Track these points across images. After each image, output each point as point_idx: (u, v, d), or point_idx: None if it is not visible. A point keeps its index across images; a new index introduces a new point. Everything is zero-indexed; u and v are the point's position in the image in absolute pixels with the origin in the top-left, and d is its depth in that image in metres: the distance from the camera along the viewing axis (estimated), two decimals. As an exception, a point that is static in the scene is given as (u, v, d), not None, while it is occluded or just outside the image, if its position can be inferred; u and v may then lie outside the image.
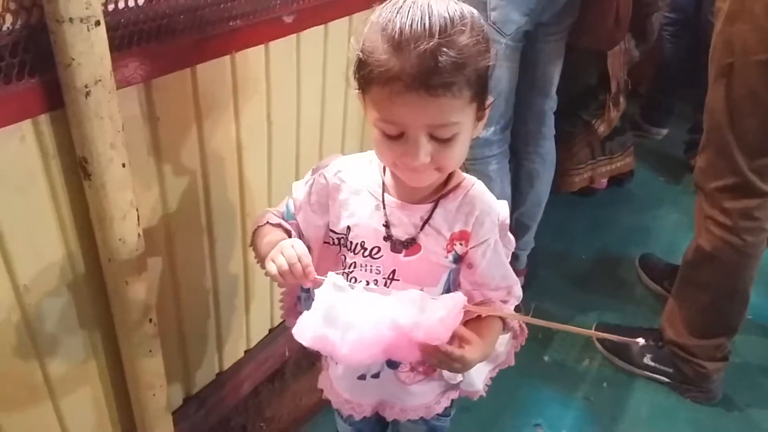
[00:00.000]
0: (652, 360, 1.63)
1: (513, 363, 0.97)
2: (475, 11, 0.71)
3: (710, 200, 1.41)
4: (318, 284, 0.74)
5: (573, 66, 1.98)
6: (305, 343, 0.73)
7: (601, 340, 1.72)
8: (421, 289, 0.80)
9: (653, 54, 2.46)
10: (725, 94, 1.30)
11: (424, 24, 0.65)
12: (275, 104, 1.17)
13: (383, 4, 0.71)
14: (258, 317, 1.36)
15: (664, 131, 2.83)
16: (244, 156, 1.14)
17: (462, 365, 0.72)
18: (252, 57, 1.08)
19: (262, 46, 1.10)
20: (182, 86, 0.98)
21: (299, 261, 0.74)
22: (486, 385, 0.97)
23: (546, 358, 1.70)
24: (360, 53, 0.70)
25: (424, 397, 0.93)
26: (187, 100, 1.00)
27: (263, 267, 0.79)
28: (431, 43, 0.65)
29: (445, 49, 0.65)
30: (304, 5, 1.13)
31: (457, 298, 0.73)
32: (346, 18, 1.24)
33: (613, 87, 2.00)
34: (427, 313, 0.70)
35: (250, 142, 1.15)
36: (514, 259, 1.86)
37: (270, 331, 1.43)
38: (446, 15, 0.67)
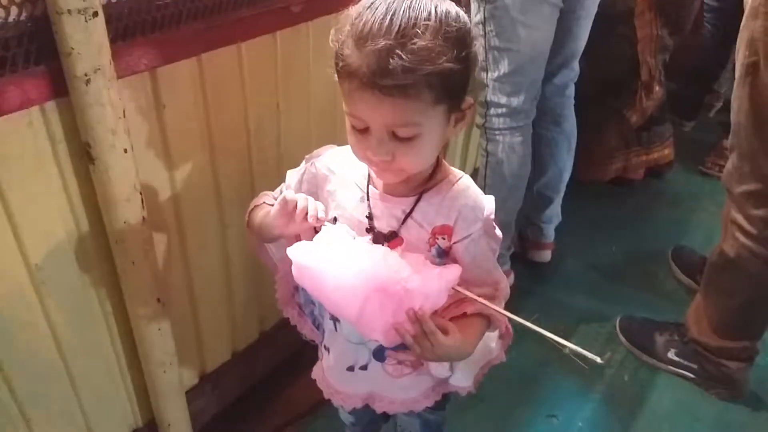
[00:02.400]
0: (677, 355, 1.58)
1: (504, 359, 0.96)
2: (453, 9, 0.69)
3: (737, 204, 1.35)
4: (320, 225, 0.77)
5: (604, 54, 1.95)
6: (297, 262, 0.75)
7: (625, 333, 1.69)
8: None
9: (692, 44, 2.37)
10: (749, 95, 1.22)
11: (385, 23, 0.65)
12: (284, 92, 1.19)
13: None
14: (272, 300, 1.38)
15: (691, 124, 2.73)
16: (253, 143, 1.17)
17: (433, 346, 0.73)
18: (260, 46, 1.11)
19: (269, 35, 1.12)
20: (189, 75, 1.01)
21: (312, 201, 0.77)
22: (478, 381, 0.97)
23: (567, 351, 1.68)
24: (335, 43, 0.71)
25: (413, 390, 0.94)
26: (194, 89, 1.03)
27: (254, 242, 0.81)
28: (385, 44, 0.64)
29: (397, 51, 0.64)
30: (311, -5, 1.15)
31: (457, 269, 0.74)
32: (357, 7, 1.25)
33: (643, 74, 1.95)
34: (426, 272, 0.72)
35: (259, 130, 1.17)
36: (539, 231, 1.86)
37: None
38: (411, 14, 0.66)
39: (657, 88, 2.04)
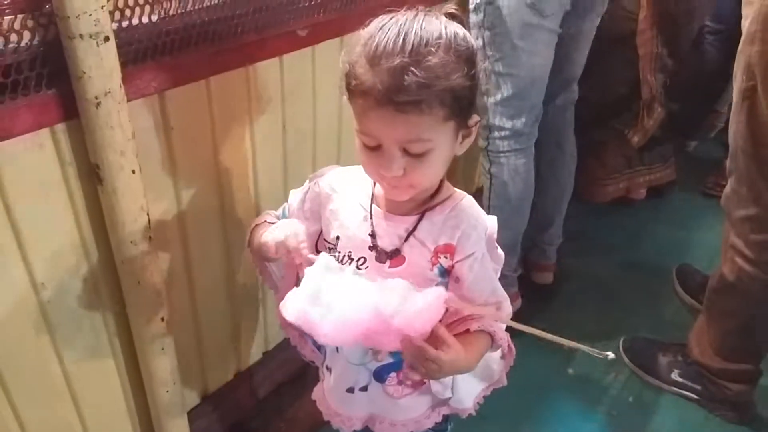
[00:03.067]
0: (680, 376, 1.58)
1: (506, 383, 0.97)
2: (460, 31, 0.72)
3: (735, 228, 1.35)
4: (309, 263, 0.77)
5: (604, 75, 1.97)
6: (289, 318, 0.76)
7: (629, 354, 1.68)
8: None
9: (693, 64, 2.39)
10: (747, 119, 1.23)
11: (398, 42, 0.68)
12: (290, 115, 1.21)
13: (376, 20, 0.73)
14: (275, 320, 1.40)
15: (693, 144, 2.75)
16: (259, 165, 1.19)
17: (437, 367, 0.73)
18: (266, 69, 1.13)
19: (276, 59, 1.14)
20: (196, 97, 1.02)
21: (295, 236, 0.78)
22: (478, 404, 0.97)
23: (570, 371, 1.68)
24: (346, 64, 0.73)
25: (413, 411, 0.94)
26: (202, 111, 1.04)
27: (255, 261, 0.82)
28: (400, 62, 0.67)
29: (412, 68, 0.67)
30: (318, 19, 1.17)
31: (438, 291, 0.74)
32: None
33: (644, 93, 1.96)
34: (408, 303, 0.72)
35: (265, 151, 1.19)
36: (542, 253, 1.86)
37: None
38: (422, 35, 0.69)
39: (658, 107, 2.06)
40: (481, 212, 0.84)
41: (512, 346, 0.88)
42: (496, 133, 1.53)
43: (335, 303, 0.73)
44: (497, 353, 0.90)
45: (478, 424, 1.46)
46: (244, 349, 1.36)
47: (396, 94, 0.67)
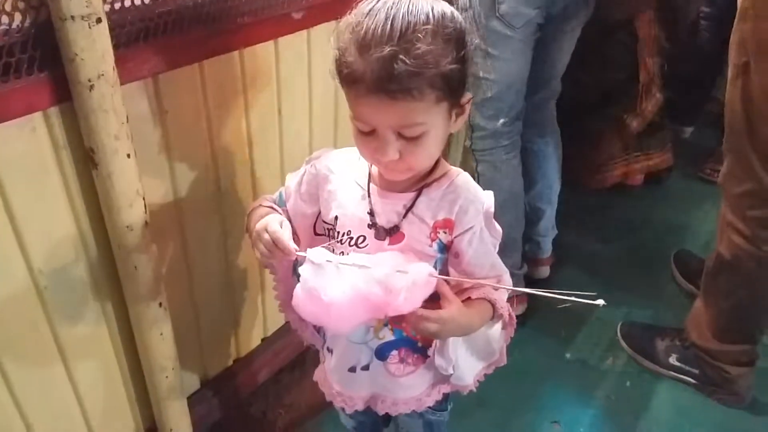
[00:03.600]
0: (678, 360, 1.58)
1: (505, 362, 0.97)
2: (447, 10, 0.72)
3: (732, 206, 1.35)
4: (301, 259, 0.77)
5: (602, 61, 1.96)
6: (304, 317, 0.79)
7: (626, 339, 1.69)
8: None
9: (689, 50, 2.38)
10: (741, 96, 1.23)
11: (385, 29, 0.68)
12: (286, 98, 1.20)
13: (362, 2, 0.73)
14: (274, 306, 1.37)
15: (690, 130, 2.75)
16: (254, 148, 1.18)
17: (440, 326, 0.74)
18: (261, 52, 1.11)
19: (271, 42, 1.13)
20: (190, 81, 1.01)
21: (280, 239, 0.78)
22: (478, 380, 0.97)
23: (568, 356, 1.68)
24: (336, 50, 0.73)
25: (415, 389, 0.94)
26: (196, 94, 1.03)
27: (254, 246, 0.83)
28: (389, 50, 0.67)
29: (401, 56, 0.67)
30: (313, 2, 1.16)
31: (422, 269, 0.75)
32: None
33: (642, 76, 1.96)
34: (393, 293, 0.73)
35: (260, 135, 1.18)
36: (536, 246, 1.85)
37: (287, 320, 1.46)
38: (410, 19, 0.68)
39: (656, 92, 2.05)
40: (478, 188, 0.84)
41: (513, 316, 0.89)
42: (477, 133, 1.56)
43: (331, 301, 0.74)
44: (497, 329, 0.90)
45: (476, 410, 1.48)
46: (243, 335, 1.36)
47: (387, 82, 0.67)
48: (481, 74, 1.46)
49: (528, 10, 1.38)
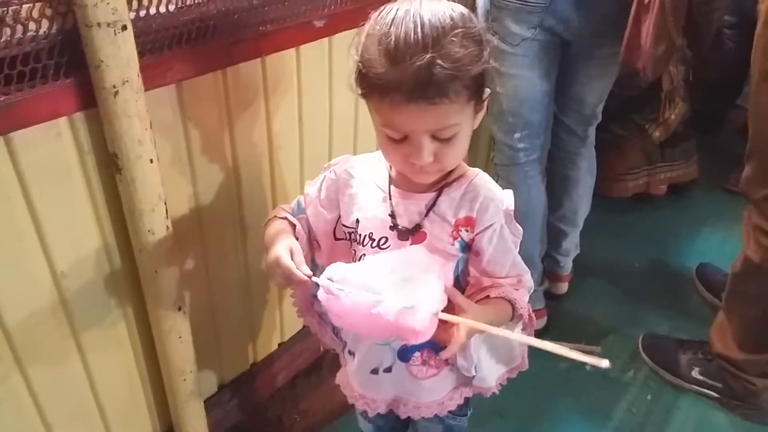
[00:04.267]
0: (701, 374, 1.55)
1: (527, 366, 0.96)
2: (465, 11, 0.73)
3: (758, 209, 1.33)
4: (307, 280, 0.78)
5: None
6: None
7: (648, 351, 1.66)
8: None
9: (714, 59, 2.35)
10: (766, 100, 1.22)
11: (417, 37, 0.68)
12: (307, 105, 1.21)
13: (378, 13, 0.73)
14: (291, 312, 1.38)
15: (714, 139, 2.69)
16: (275, 155, 1.19)
17: (461, 335, 0.74)
18: (283, 60, 1.13)
19: (293, 50, 1.14)
20: (213, 87, 1.03)
21: (294, 273, 0.78)
22: (500, 384, 0.96)
23: (588, 368, 1.65)
24: (360, 64, 0.73)
25: (437, 393, 0.94)
26: (219, 101, 1.05)
27: (270, 277, 0.84)
28: (426, 58, 0.67)
29: (439, 62, 0.68)
30: (334, 10, 1.17)
31: (427, 308, 0.73)
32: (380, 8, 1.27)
33: (665, 84, 1.93)
34: (406, 330, 0.72)
35: (281, 141, 1.19)
36: (556, 263, 1.83)
37: (304, 326, 1.46)
38: (438, 24, 0.69)
39: (679, 101, 2.03)
40: (497, 187, 0.85)
41: (533, 315, 0.88)
42: (497, 145, 1.56)
43: (350, 323, 0.77)
44: (519, 329, 0.89)
45: (494, 419, 1.47)
46: (261, 339, 1.37)
47: (426, 88, 0.68)
48: (491, 86, 1.44)
49: (521, 29, 1.35)
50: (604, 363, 0.64)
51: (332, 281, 0.74)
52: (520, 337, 0.81)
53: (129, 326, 1.05)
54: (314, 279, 0.77)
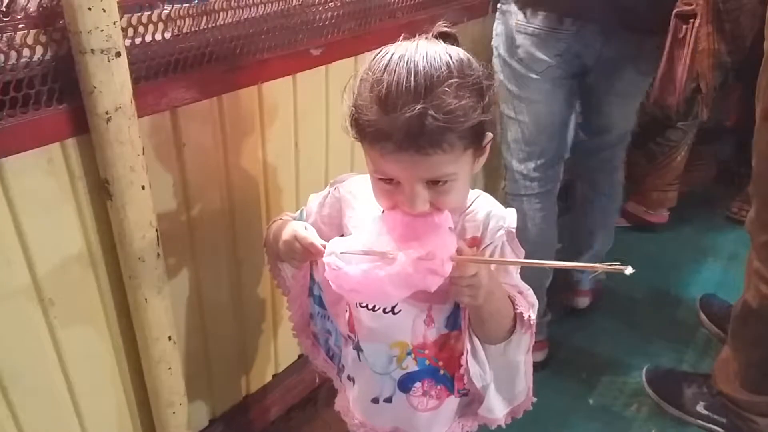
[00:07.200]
0: (706, 408, 1.51)
1: (530, 406, 0.95)
2: (465, 57, 0.71)
3: (759, 253, 1.30)
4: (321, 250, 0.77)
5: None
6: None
7: (652, 384, 1.62)
8: (430, 307, 0.83)
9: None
10: None
11: (409, 86, 0.66)
12: (303, 133, 1.21)
13: (373, 56, 0.72)
14: (286, 342, 1.38)
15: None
16: (270, 182, 1.18)
17: (478, 279, 0.72)
18: (279, 87, 1.13)
19: (289, 77, 1.14)
20: (209, 114, 1.03)
21: (313, 242, 0.77)
22: (512, 417, 0.94)
23: (591, 401, 1.62)
24: (353, 108, 0.72)
25: (437, 425, 0.92)
26: (214, 128, 1.04)
27: (269, 259, 0.84)
28: (417, 108, 0.65)
29: (431, 113, 0.65)
30: (332, 39, 1.17)
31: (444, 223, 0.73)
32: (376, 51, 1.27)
33: (703, 87, 1.93)
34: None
35: (277, 169, 1.18)
36: (572, 278, 1.84)
37: (299, 356, 1.44)
38: (432, 72, 0.66)
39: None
40: (500, 206, 0.84)
41: (532, 318, 0.84)
42: (509, 174, 1.54)
43: (370, 293, 0.74)
44: (521, 366, 0.87)
45: (493, 454, 1.43)
46: (254, 371, 1.34)
47: (417, 138, 0.66)
48: (513, 114, 1.44)
49: (545, 56, 1.35)
50: (628, 270, 0.65)
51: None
52: (547, 263, 0.76)
53: (117, 355, 1.03)
54: (325, 254, 0.75)
